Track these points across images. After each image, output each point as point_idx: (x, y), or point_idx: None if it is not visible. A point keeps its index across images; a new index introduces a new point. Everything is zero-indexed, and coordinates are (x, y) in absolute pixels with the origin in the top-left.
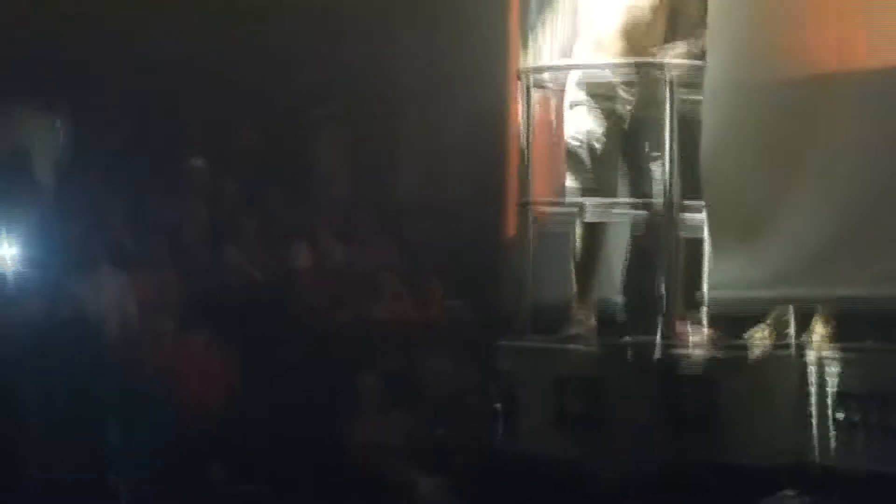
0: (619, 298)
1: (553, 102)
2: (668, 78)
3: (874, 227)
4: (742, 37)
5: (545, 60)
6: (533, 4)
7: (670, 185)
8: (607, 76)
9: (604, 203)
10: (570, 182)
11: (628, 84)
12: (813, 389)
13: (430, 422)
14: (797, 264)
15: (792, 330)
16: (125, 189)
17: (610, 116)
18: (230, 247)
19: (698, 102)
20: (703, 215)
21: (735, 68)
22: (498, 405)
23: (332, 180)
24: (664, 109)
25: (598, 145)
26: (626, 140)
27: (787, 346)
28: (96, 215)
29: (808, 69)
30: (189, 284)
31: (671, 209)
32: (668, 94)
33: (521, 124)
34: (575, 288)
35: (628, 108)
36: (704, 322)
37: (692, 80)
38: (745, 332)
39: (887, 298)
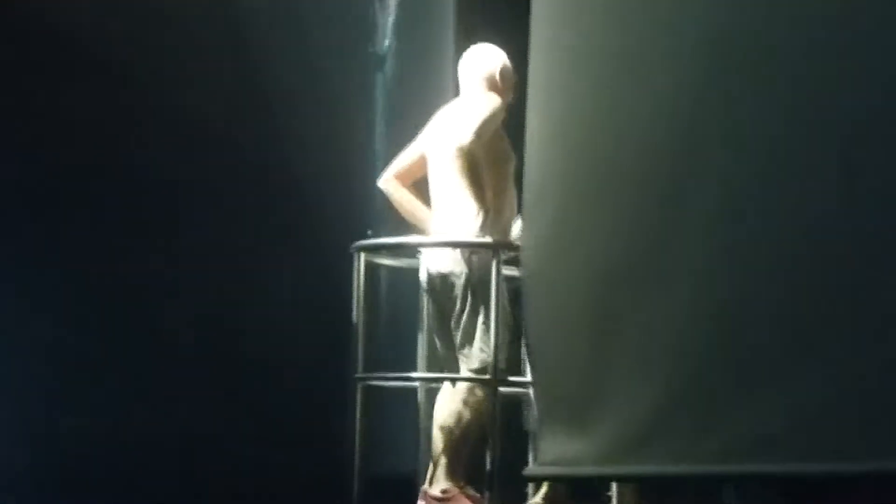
0: None
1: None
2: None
3: (695, 404)
4: (559, 207)
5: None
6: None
7: (496, 359)
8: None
9: (434, 377)
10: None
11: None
12: None
13: None
14: (624, 440)
15: None
16: None
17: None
18: None
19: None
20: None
21: (553, 239)
22: None
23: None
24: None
25: (430, 321)
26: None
27: None
28: None
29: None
30: None
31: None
32: (494, 271)
33: (355, 300)
34: (431, 463)
35: (460, 283)
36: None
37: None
38: None
39: (711, 475)
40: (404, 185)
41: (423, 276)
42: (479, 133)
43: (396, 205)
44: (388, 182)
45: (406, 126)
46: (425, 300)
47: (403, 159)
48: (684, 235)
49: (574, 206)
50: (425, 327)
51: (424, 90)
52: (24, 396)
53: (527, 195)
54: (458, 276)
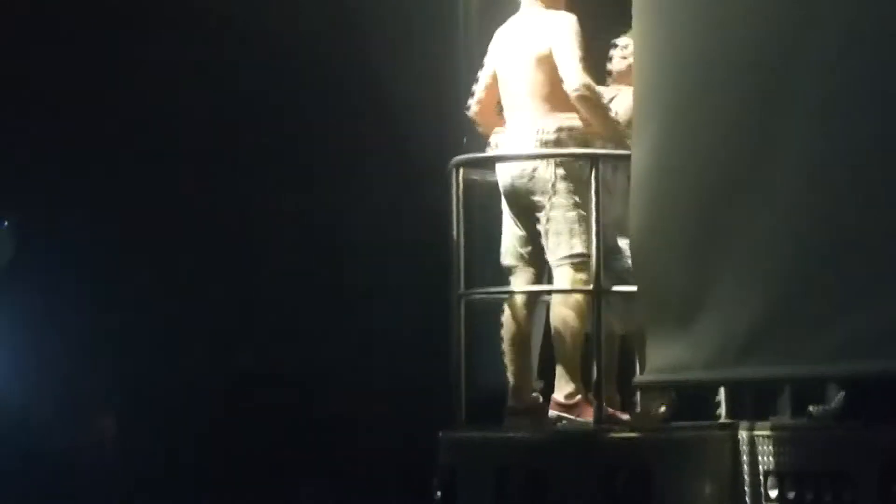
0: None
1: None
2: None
3: (806, 304)
4: (666, 122)
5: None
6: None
7: (598, 269)
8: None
9: (535, 290)
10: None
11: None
12: (746, 469)
13: None
14: (731, 345)
15: (723, 410)
16: None
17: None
18: None
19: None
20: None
21: (660, 153)
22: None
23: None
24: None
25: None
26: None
27: (720, 426)
28: None
29: (732, 150)
30: None
31: (599, 294)
32: (592, 180)
33: (454, 216)
34: (511, 377)
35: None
36: (639, 405)
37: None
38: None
39: (822, 375)
40: (489, 111)
41: (504, 179)
42: (584, 68)
43: (487, 132)
44: (477, 113)
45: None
46: (508, 204)
47: (482, 85)
48: (788, 141)
49: (679, 121)
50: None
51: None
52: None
53: (636, 112)
54: (540, 170)
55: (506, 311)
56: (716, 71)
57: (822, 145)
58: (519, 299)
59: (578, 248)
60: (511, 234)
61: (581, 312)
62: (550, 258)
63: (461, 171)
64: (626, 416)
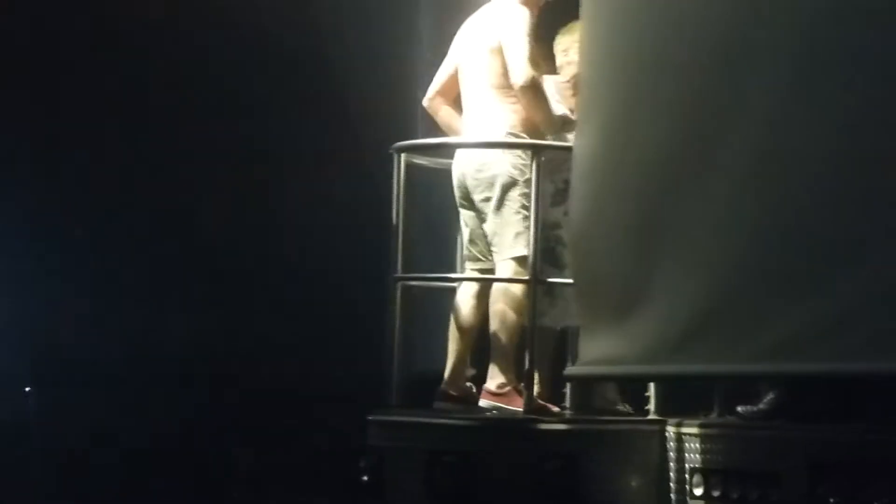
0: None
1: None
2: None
3: (743, 302)
4: (609, 115)
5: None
6: None
7: (535, 259)
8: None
9: (471, 278)
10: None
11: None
12: (672, 465)
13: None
14: (667, 340)
15: (652, 405)
16: None
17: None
18: None
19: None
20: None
21: (603, 143)
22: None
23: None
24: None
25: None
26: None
27: (648, 421)
28: None
29: (675, 142)
30: None
31: (536, 284)
32: (534, 172)
33: (394, 201)
34: (449, 363)
35: (494, 173)
36: (569, 396)
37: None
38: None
39: (756, 375)
40: (447, 101)
41: (457, 170)
42: (530, 62)
43: (440, 123)
44: (431, 102)
45: (446, 30)
46: (458, 199)
47: (441, 76)
48: (727, 143)
49: (624, 111)
50: (462, 230)
51: None
52: None
53: (580, 102)
54: (492, 166)
55: (455, 301)
56: (661, 62)
57: (766, 139)
58: (469, 290)
59: (522, 252)
60: (464, 230)
61: (519, 307)
62: (495, 258)
63: (402, 157)
64: (555, 407)
